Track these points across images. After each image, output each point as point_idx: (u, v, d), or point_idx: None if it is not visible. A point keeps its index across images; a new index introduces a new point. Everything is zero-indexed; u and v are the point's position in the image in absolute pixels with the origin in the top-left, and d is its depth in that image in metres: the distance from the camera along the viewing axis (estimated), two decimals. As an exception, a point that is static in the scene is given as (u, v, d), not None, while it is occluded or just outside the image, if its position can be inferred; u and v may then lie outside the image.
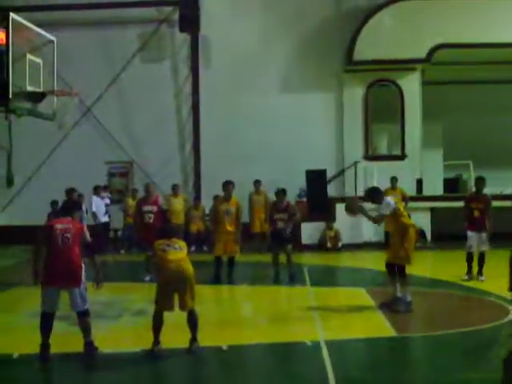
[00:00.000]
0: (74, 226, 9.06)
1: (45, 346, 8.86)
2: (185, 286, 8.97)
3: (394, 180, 20.34)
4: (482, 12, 21.56)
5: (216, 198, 16.04)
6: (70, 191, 15.94)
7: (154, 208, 14.92)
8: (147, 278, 14.11)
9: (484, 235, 14.66)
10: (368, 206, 12.11)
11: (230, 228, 14.61)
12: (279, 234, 14.71)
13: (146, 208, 14.88)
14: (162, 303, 8.99)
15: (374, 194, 11.86)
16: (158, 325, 8.99)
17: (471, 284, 14.10)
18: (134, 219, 16.34)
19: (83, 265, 8.94)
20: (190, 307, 9.06)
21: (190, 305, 9.05)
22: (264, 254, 17.24)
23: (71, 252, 8.86)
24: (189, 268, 9.09)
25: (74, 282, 8.82)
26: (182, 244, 9.34)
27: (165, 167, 23.18)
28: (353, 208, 12.19)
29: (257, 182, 20.34)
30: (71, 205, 9.84)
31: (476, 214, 14.74)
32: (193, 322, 9.10)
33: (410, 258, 11.50)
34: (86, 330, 8.94)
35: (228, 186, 14.76)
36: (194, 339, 9.12)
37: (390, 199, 11.75)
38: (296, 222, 15.50)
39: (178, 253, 9.12)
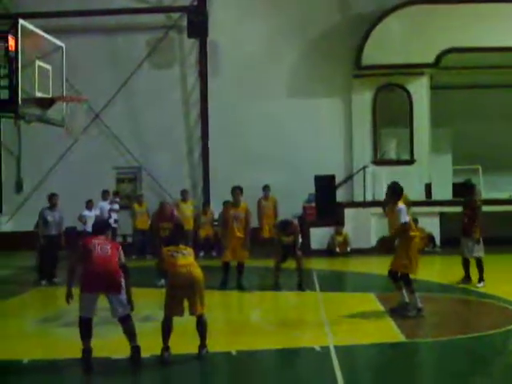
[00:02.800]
0: (110, 242, 9.25)
1: (87, 351, 8.84)
2: (194, 291, 8.97)
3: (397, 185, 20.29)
4: (490, 16, 21.55)
5: (225, 203, 16.01)
6: (51, 196, 16.46)
7: (170, 224, 14.65)
8: (160, 283, 14.06)
9: (472, 241, 14.51)
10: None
11: (238, 234, 14.59)
12: (288, 247, 14.65)
13: (162, 225, 14.65)
14: (172, 308, 8.99)
15: (397, 195, 11.74)
16: (167, 330, 8.98)
17: (481, 289, 14.02)
18: (150, 231, 16.13)
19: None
20: (199, 312, 9.05)
21: (200, 310, 9.05)
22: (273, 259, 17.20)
23: (111, 259, 8.91)
24: (198, 272, 9.11)
25: (114, 288, 8.83)
26: (189, 250, 9.36)
27: (173, 173, 23.24)
28: (387, 247, 12.13)
29: (265, 188, 20.31)
30: (103, 225, 9.97)
31: (465, 220, 14.70)
32: (202, 327, 9.10)
33: (413, 268, 11.48)
34: (131, 335, 8.93)
35: (236, 191, 14.76)
36: (203, 345, 9.11)
37: (403, 207, 11.60)
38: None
39: (187, 258, 9.15)
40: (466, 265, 14.68)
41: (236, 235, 14.61)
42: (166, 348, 8.97)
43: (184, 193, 20.91)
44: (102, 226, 9.71)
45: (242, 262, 14.76)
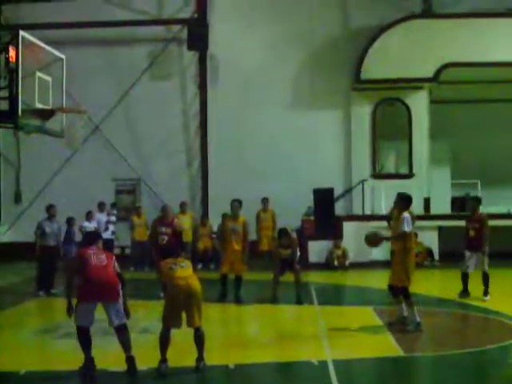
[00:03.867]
0: (104, 252, 9.29)
1: (89, 360, 8.86)
2: (192, 303, 8.96)
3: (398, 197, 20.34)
4: (489, 31, 21.68)
5: (224, 216, 16.00)
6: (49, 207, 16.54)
7: (169, 230, 14.64)
8: (162, 295, 13.99)
9: (480, 255, 14.53)
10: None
11: (236, 246, 14.59)
12: (286, 260, 14.64)
13: (161, 229, 14.53)
14: (170, 320, 8.97)
15: (405, 202, 11.75)
16: (165, 342, 8.96)
17: (480, 303, 14.00)
18: (149, 239, 16.07)
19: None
20: (197, 324, 9.03)
21: (198, 322, 9.03)
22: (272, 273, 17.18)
23: (107, 268, 8.94)
24: (196, 284, 9.11)
25: (112, 297, 8.86)
26: (188, 262, 9.36)
27: (172, 185, 23.23)
28: (374, 241, 12.09)
29: (264, 200, 20.34)
30: (94, 235, 9.98)
31: (472, 233, 14.69)
32: (200, 339, 9.08)
33: (409, 279, 11.43)
34: (126, 345, 8.93)
35: (235, 204, 14.78)
36: (200, 357, 9.10)
37: (408, 216, 11.58)
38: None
39: (186, 270, 9.15)
40: (464, 279, 14.67)
41: (234, 248, 14.60)
42: (163, 360, 8.94)
43: (183, 205, 20.90)
44: (92, 237, 9.72)
45: (239, 274, 14.73)
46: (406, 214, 11.52)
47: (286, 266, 14.59)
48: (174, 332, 9.02)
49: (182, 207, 20.81)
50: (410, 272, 11.43)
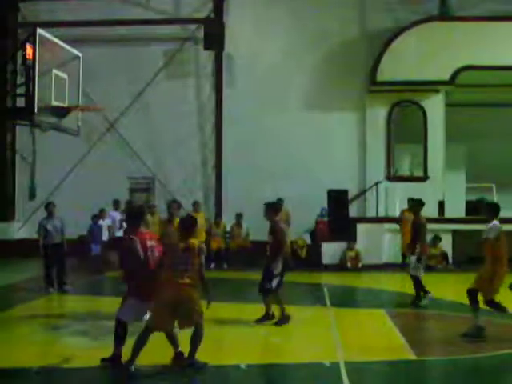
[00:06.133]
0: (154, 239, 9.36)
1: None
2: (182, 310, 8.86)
3: (410, 201, 20.37)
4: (505, 34, 21.57)
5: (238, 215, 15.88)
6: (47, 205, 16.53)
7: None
8: None
9: (413, 259, 14.35)
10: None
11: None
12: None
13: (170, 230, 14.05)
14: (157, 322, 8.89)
15: (492, 210, 11.45)
16: (142, 344, 8.79)
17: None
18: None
19: None
20: (191, 326, 8.98)
21: (191, 324, 8.97)
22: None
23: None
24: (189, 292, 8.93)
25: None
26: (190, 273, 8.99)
27: (186, 184, 23.28)
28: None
29: (279, 201, 20.31)
30: (139, 211, 9.65)
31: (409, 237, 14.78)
32: (195, 336, 9.01)
33: (494, 291, 10.95)
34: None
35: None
36: (191, 354, 9.03)
37: (497, 222, 11.09)
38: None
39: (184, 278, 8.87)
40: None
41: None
42: (132, 360, 8.75)
43: (196, 204, 20.91)
44: (136, 214, 9.46)
45: None
46: (495, 222, 11.02)
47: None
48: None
49: (195, 206, 20.81)
50: (497, 283, 10.93)
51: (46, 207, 16.56)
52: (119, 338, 8.92)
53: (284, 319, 12.21)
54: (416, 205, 15.22)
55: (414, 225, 14.76)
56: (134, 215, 9.37)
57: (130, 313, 8.91)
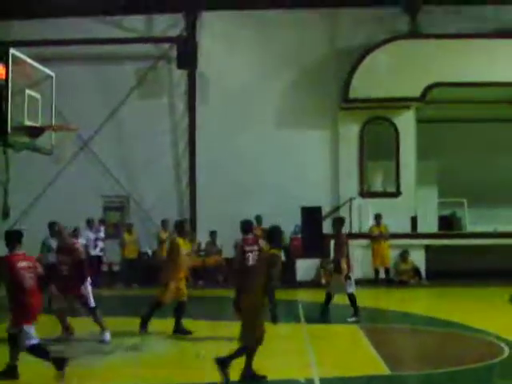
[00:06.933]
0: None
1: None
2: None
3: (378, 217, 20.77)
4: (475, 52, 21.88)
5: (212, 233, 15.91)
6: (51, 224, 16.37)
7: (65, 258, 13.12)
8: None
9: (342, 278, 14.57)
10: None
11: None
12: None
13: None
14: None
15: None
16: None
17: (468, 322, 13.99)
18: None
19: None
20: None
21: None
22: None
23: None
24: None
25: None
26: None
27: (161, 202, 23.25)
28: None
29: (258, 218, 20.48)
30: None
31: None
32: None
33: None
34: None
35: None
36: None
37: None
38: None
39: None
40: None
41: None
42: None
43: (164, 222, 20.83)
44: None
45: None
46: None
47: None
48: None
49: (164, 224, 20.77)
50: None
51: (51, 227, 16.35)
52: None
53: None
54: (336, 223, 15.40)
55: (336, 242, 14.89)
56: (9, 237, 9.45)
57: None
